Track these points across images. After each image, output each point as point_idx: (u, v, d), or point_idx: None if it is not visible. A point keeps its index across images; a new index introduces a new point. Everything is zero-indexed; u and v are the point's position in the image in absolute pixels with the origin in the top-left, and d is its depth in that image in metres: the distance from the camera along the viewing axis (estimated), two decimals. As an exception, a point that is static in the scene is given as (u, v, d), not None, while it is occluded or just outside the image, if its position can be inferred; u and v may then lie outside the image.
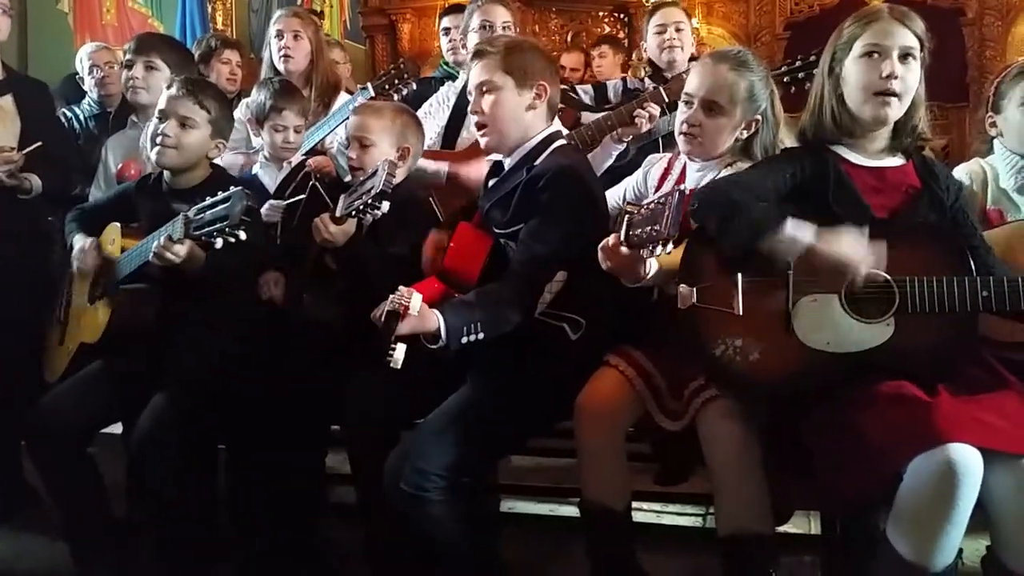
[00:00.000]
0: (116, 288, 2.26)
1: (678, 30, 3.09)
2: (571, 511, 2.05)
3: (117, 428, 2.53)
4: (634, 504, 2.04)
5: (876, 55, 1.70)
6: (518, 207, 1.93)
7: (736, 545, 1.78)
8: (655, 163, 2.19)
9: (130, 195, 2.44)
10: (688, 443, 1.83)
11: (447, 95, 2.95)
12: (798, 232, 1.58)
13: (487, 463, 2.19)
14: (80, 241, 2.37)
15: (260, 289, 2.35)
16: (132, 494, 2.52)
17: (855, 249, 1.56)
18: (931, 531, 1.44)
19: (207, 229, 1.95)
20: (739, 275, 1.64)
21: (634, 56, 4.44)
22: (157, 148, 2.28)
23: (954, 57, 6.01)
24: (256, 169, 2.72)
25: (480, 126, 2.02)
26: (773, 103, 1.99)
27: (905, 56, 1.70)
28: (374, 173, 1.96)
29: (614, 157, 2.69)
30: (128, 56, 2.92)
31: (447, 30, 3.46)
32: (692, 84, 2.01)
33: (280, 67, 3.04)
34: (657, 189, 2.11)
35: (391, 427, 1.97)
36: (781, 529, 2.08)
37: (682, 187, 1.54)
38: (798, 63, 2.56)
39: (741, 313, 1.63)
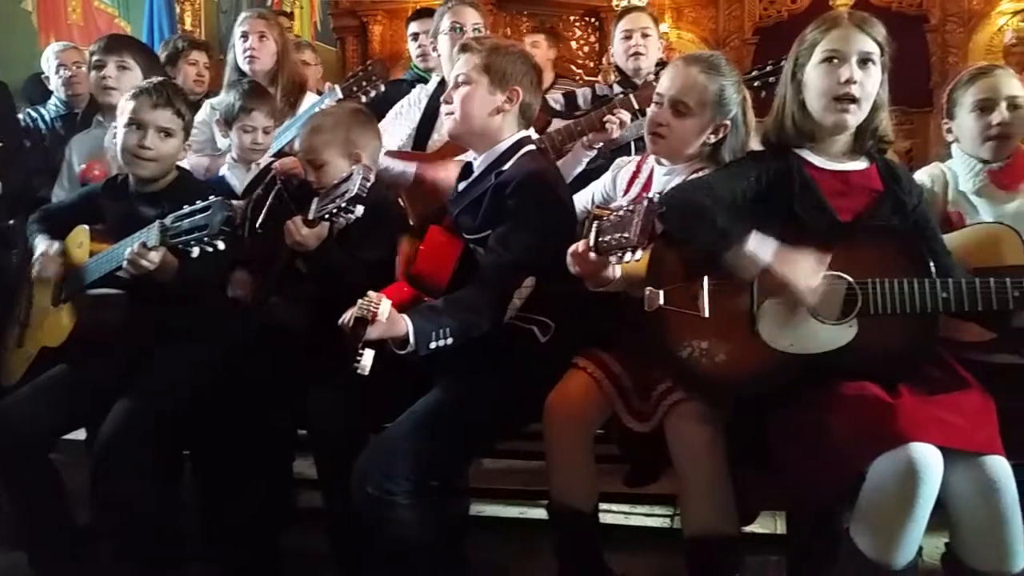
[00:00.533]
0: (82, 292, 2.23)
1: (644, 36, 3.11)
2: (541, 514, 2.05)
3: (80, 434, 2.49)
4: (603, 505, 2.05)
5: (835, 60, 1.72)
6: (487, 213, 1.94)
7: (702, 546, 1.80)
8: (624, 166, 2.20)
9: (96, 197, 2.41)
10: (657, 444, 1.84)
11: (419, 97, 2.94)
12: (759, 250, 1.61)
13: (455, 466, 2.19)
14: (43, 244, 2.33)
15: (228, 288, 2.33)
16: (95, 501, 2.48)
17: (808, 277, 1.59)
18: (893, 529, 1.46)
19: (185, 238, 1.92)
20: (705, 278, 1.66)
21: (603, 61, 4.47)
22: (137, 161, 2.24)
23: (918, 63, 6.12)
24: (224, 171, 2.70)
25: (448, 113, 2.05)
26: (745, 111, 2.01)
27: (864, 61, 1.73)
28: (348, 177, 1.94)
29: (584, 164, 2.70)
30: (97, 56, 2.88)
31: (415, 35, 3.46)
32: (663, 84, 2.03)
33: (245, 68, 3.03)
34: (626, 192, 2.13)
35: (358, 431, 1.95)
36: (747, 529, 2.11)
37: (651, 195, 1.55)
38: (768, 68, 2.59)
39: (707, 315, 1.65)
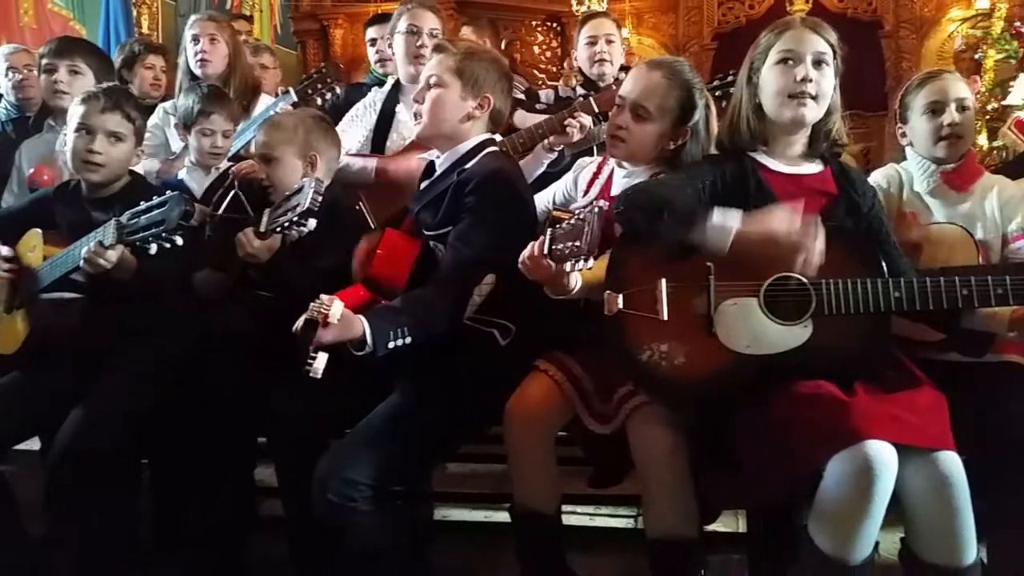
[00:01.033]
0: (36, 297, 2.18)
1: (608, 42, 3.14)
2: (506, 517, 2.05)
3: (34, 444, 2.44)
4: (567, 507, 2.06)
5: (791, 61, 1.75)
6: (447, 210, 1.93)
7: (664, 547, 1.82)
8: (584, 167, 2.22)
9: (48, 202, 2.36)
10: (620, 446, 1.85)
11: (374, 100, 2.93)
12: (726, 219, 1.62)
13: (417, 471, 2.18)
14: None
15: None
16: (50, 513, 2.43)
17: (785, 221, 1.57)
18: (849, 525, 1.49)
19: (142, 234, 1.90)
20: (663, 281, 1.67)
21: (566, 65, 4.50)
22: (86, 166, 2.21)
23: (873, 68, 6.26)
24: (183, 174, 2.66)
25: (417, 115, 2.04)
26: (708, 119, 2.02)
27: (818, 62, 1.76)
28: (300, 190, 1.92)
29: (545, 166, 2.71)
30: (47, 60, 2.84)
31: (373, 41, 3.45)
32: (625, 87, 2.04)
33: (197, 71, 3.01)
34: (586, 192, 2.14)
35: (318, 437, 1.93)
36: (710, 528, 2.13)
37: (602, 203, 1.57)
38: (730, 77, 2.62)
39: (665, 318, 1.66)
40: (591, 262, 1.54)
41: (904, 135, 2.19)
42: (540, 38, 6.42)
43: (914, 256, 1.96)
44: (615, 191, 2.03)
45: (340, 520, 1.77)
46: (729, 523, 2.45)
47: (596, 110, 2.70)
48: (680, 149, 2.00)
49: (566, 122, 2.65)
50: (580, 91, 3.15)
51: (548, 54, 6.45)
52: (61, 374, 2.15)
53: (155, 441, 2.24)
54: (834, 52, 1.78)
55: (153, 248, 1.88)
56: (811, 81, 1.74)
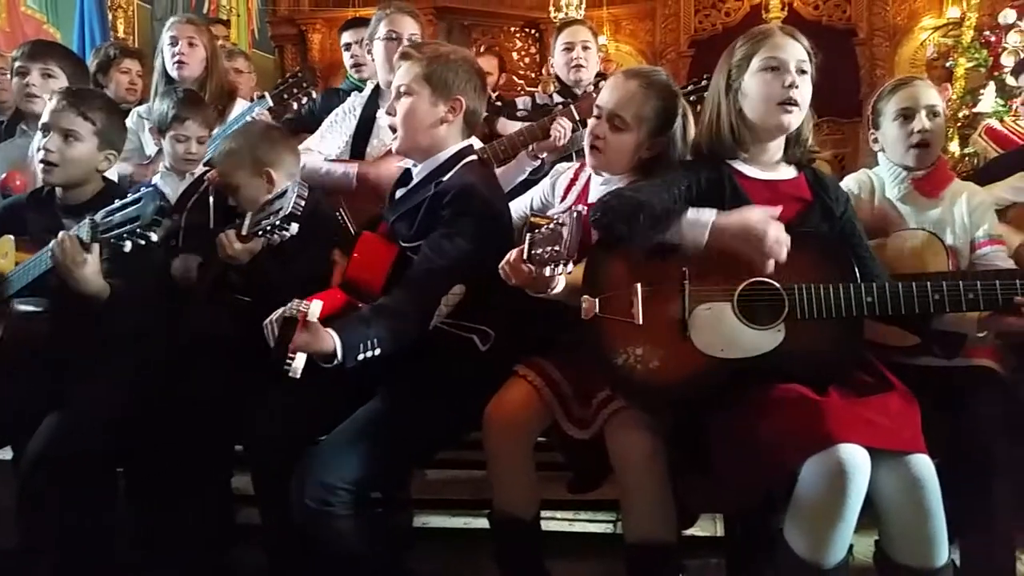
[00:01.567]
0: (7, 303, 2.15)
1: (585, 48, 3.16)
2: (486, 523, 2.05)
3: (6, 453, 2.41)
4: (547, 512, 2.06)
5: (776, 69, 1.77)
6: (423, 222, 1.93)
7: (642, 552, 1.82)
8: (562, 173, 2.22)
9: (20, 208, 2.33)
10: (599, 451, 1.86)
11: (354, 105, 2.93)
12: (701, 214, 1.65)
13: (395, 477, 2.18)
14: None
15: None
16: (23, 523, 2.39)
17: (759, 215, 1.63)
18: (823, 529, 1.50)
19: (117, 231, 1.88)
20: (638, 285, 1.68)
21: (544, 71, 4.51)
22: (41, 165, 2.19)
23: (848, 75, 6.35)
24: (156, 179, 2.65)
25: (392, 128, 2.03)
26: (685, 126, 2.03)
27: (801, 70, 1.79)
28: (283, 193, 1.91)
29: (527, 173, 2.72)
30: (20, 63, 2.81)
31: (348, 45, 3.44)
32: (603, 97, 2.05)
33: (174, 74, 2.99)
34: (563, 199, 2.14)
35: (295, 443, 1.92)
36: (688, 532, 2.14)
37: (580, 208, 1.58)
38: (703, 82, 2.64)
39: (641, 322, 1.67)
40: (571, 266, 1.55)
41: (876, 141, 2.22)
42: (518, 44, 6.46)
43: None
44: (592, 197, 2.04)
45: (318, 526, 1.76)
46: (707, 527, 2.46)
47: (577, 117, 2.72)
48: (657, 157, 2.01)
49: (551, 128, 2.66)
50: (557, 98, 3.17)
51: (527, 60, 6.48)
52: (32, 381, 2.11)
53: (131, 449, 2.21)
54: (810, 59, 1.81)
55: (128, 245, 1.87)
56: (796, 88, 1.76)
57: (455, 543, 2.60)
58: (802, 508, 1.51)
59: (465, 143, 2.05)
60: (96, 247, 1.97)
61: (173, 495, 2.20)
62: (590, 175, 2.11)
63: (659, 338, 1.69)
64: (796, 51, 1.78)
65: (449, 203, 1.89)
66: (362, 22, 3.18)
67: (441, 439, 2.02)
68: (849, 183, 2.21)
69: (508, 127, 2.96)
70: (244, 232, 2.03)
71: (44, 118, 2.21)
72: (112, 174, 2.50)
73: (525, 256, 1.61)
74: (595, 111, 2.05)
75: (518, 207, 2.24)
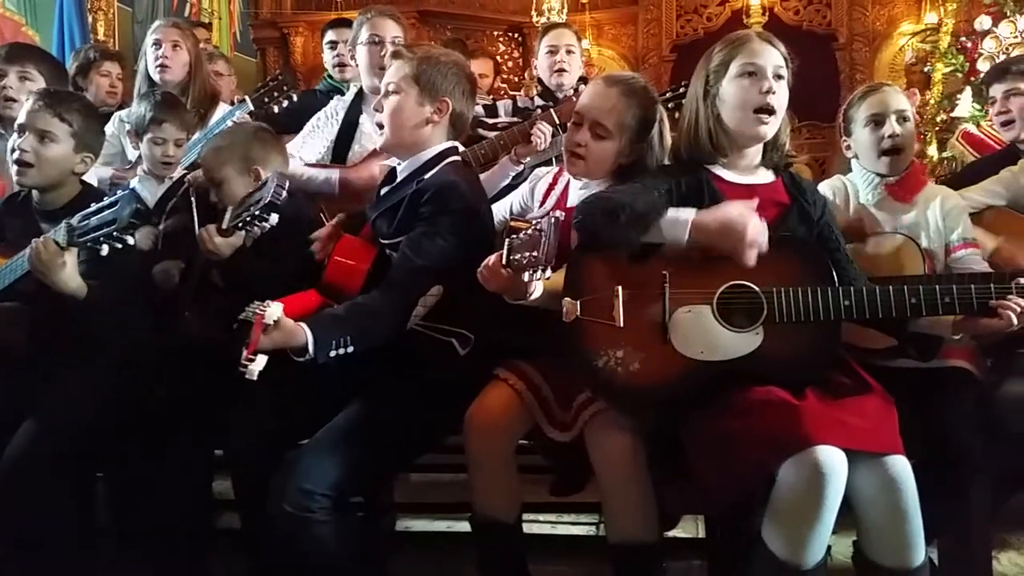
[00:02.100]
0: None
1: (568, 52, 3.18)
2: (468, 527, 2.05)
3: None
4: (530, 515, 2.06)
5: (753, 75, 1.78)
6: (403, 219, 1.93)
7: (625, 553, 1.83)
8: (541, 177, 2.23)
9: (-3, 213, 2.32)
10: (581, 454, 1.86)
11: (336, 109, 2.92)
12: (680, 213, 1.67)
13: (376, 481, 2.17)
14: None
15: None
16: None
17: (738, 208, 1.65)
18: (801, 530, 1.51)
19: (93, 235, 1.87)
20: (619, 288, 1.69)
21: (526, 75, 4.52)
22: (15, 166, 2.17)
23: (828, 79, 6.41)
24: (134, 183, 2.63)
25: (380, 124, 2.04)
26: (662, 133, 2.04)
27: (778, 76, 1.80)
28: (263, 185, 1.92)
29: (511, 178, 2.72)
30: (-3, 66, 2.78)
31: (333, 44, 3.43)
32: (583, 103, 2.05)
33: (156, 77, 2.99)
34: (542, 203, 2.15)
35: (274, 449, 1.91)
36: (670, 534, 2.15)
37: (558, 213, 1.58)
38: (681, 88, 2.66)
39: (622, 325, 1.68)
40: (548, 272, 1.55)
41: (849, 148, 2.24)
42: (502, 48, 6.47)
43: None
44: (571, 202, 2.05)
45: (298, 532, 1.75)
46: (689, 528, 2.47)
47: (557, 121, 2.72)
48: (636, 163, 2.02)
49: (532, 132, 2.67)
50: (539, 101, 3.17)
51: (510, 64, 6.50)
52: (7, 387, 2.09)
53: (110, 454, 2.20)
54: (787, 64, 1.82)
55: (105, 249, 1.86)
56: (774, 94, 1.78)
57: (438, 547, 2.60)
58: (780, 510, 1.52)
59: (449, 144, 2.05)
60: (74, 250, 1.96)
61: (152, 500, 2.18)
62: (569, 180, 2.12)
63: (640, 341, 1.70)
64: (773, 57, 1.80)
65: (429, 200, 1.90)
66: (347, 22, 3.18)
67: (422, 443, 2.02)
68: (824, 189, 2.23)
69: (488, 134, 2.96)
70: (225, 226, 2.02)
71: (20, 119, 2.20)
72: (91, 178, 2.48)
73: (504, 261, 1.62)
74: (575, 118, 2.05)
75: (497, 211, 2.24)
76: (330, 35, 3.51)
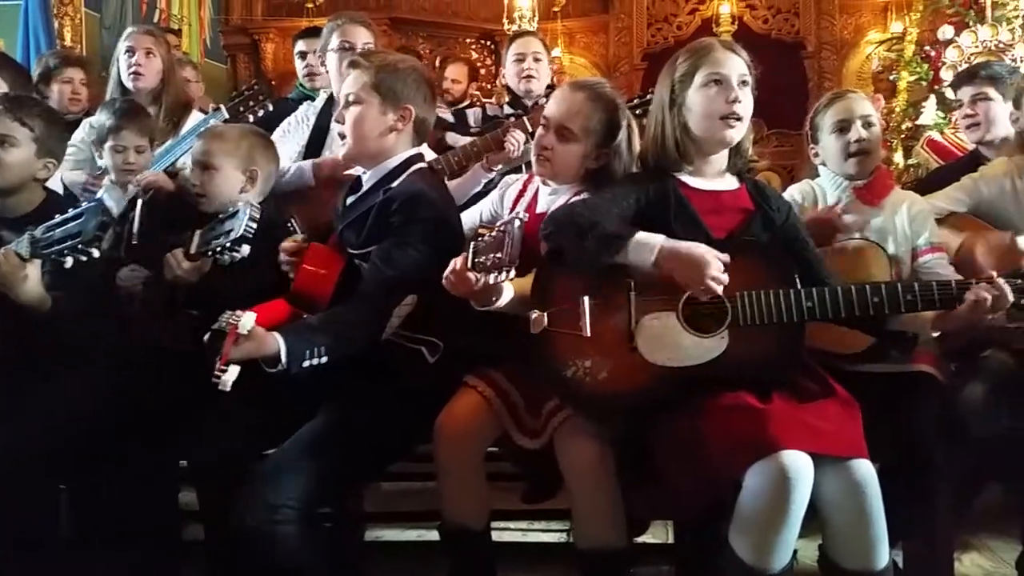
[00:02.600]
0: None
1: (536, 60, 3.19)
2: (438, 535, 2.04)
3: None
4: (501, 523, 2.05)
5: (719, 84, 1.80)
6: (371, 229, 1.92)
7: (594, 559, 1.83)
8: (511, 184, 2.24)
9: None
10: (552, 460, 1.86)
11: (306, 114, 2.92)
12: (649, 238, 1.67)
13: (343, 491, 2.15)
14: None
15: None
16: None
17: (709, 251, 1.66)
18: (767, 534, 1.52)
19: (57, 247, 1.84)
20: (585, 298, 1.70)
21: (498, 82, 4.54)
22: None
23: (797, 87, 6.49)
24: (101, 192, 2.60)
25: (342, 135, 2.02)
26: (630, 138, 2.05)
27: (742, 83, 1.82)
28: (235, 213, 1.87)
29: (482, 184, 2.73)
30: (-41, 72, 2.74)
31: (303, 54, 3.42)
32: (550, 108, 2.07)
33: (129, 84, 2.95)
34: (512, 210, 2.15)
35: (239, 460, 1.88)
36: (639, 539, 2.16)
37: (521, 215, 1.59)
38: (648, 95, 2.68)
39: (588, 334, 1.69)
40: (512, 273, 1.55)
41: (816, 155, 2.27)
42: (474, 55, 6.48)
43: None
44: (541, 208, 2.06)
45: (263, 545, 1.72)
46: (658, 534, 2.48)
47: (529, 129, 2.74)
48: (604, 168, 2.03)
49: (505, 139, 2.68)
50: (508, 109, 3.19)
51: (482, 71, 6.51)
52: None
53: (74, 465, 2.16)
54: (750, 72, 1.84)
55: (69, 261, 1.83)
56: (740, 102, 1.80)
57: (408, 556, 2.58)
58: (746, 514, 1.53)
59: (414, 151, 2.05)
60: (37, 262, 1.93)
61: (118, 512, 2.15)
62: (539, 186, 2.13)
63: (607, 349, 1.71)
64: (737, 65, 1.82)
65: (398, 210, 1.89)
66: (317, 31, 3.16)
67: (390, 452, 2.00)
68: (793, 192, 2.27)
69: (458, 142, 2.96)
70: (192, 252, 1.99)
71: None
72: (58, 184, 2.45)
73: (469, 264, 1.62)
74: (542, 122, 2.06)
75: (467, 219, 2.24)
76: (300, 45, 3.50)
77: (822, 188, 2.26)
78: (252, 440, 1.92)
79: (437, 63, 6.22)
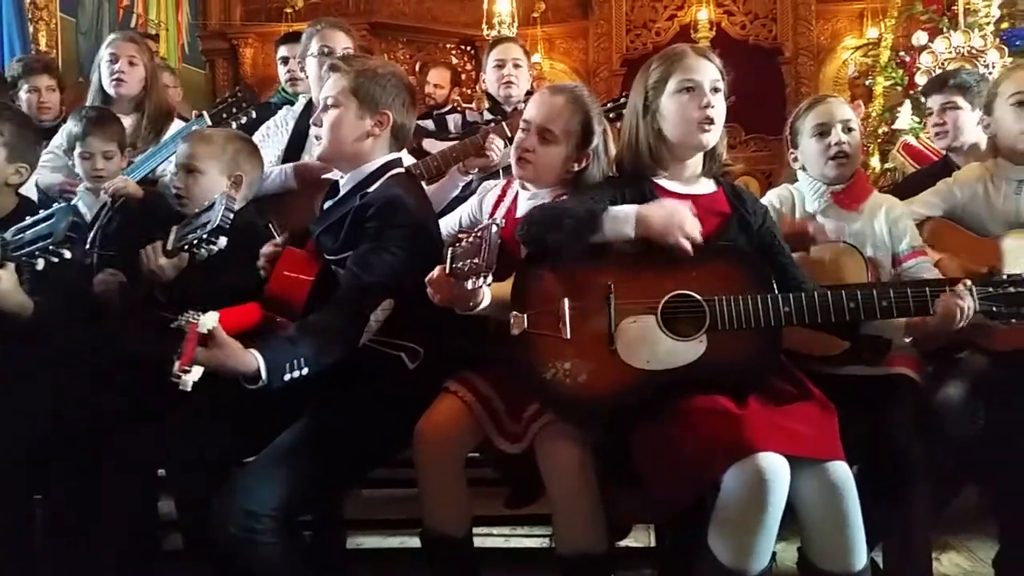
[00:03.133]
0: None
1: (516, 66, 3.20)
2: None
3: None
4: (484, 529, 2.05)
5: (692, 90, 1.82)
6: (348, 234, 1.91)
7: (575, 564, 1.83)
8: (489, 190, 2.24)
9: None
10: (533, 465, 1.86)
11: (285, 119, 2.92)
12: (623, 209, 1.70)
13: (324, 498, 2.13)
14: None
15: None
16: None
17: (679, 204, 1.72)
18: (746, 537, 1.53)
19: (28, 249, 1.82)
20: (565, 300, 1.70)
21: (478, 88, 4.54)
22: None
23: (774, 93, 6.54)
24: (76, 199, 2.58)
25: (318, 137, 2.03)
26: (606, 141, 2.07)
27: (715, 89, 1.84)
28: (211, 206, 1.87)
29: (460, 188, 2.73)
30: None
31: (285, 59, 3.42)
32: (529, 112, 2.08)
33: (111, 91, 2.93)
34: (491, 216, 2.15)
35: (217, 467, 1.87)
36: (622, 543, 2.16)
37: (497, 219, 1.60)
38: (622, 100, 2.70)
39: (568, 337, 1.69)
40: (491, 278, 1.56)
41: (796, 159, 2.29)
42: (454, 61, 6.48)
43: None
44: (520, 213, 2.06)
45: (243, 554, 1.71)
46: (641, 538, 2.48)
47: (508, 134, 2.74)
48: (582, 171, 2.04)
49: (485, 145, 2.68)
50: (488, 115, 3.19)
51: (463, 76, 6.51)
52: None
53: (49, 475, 2.13)
54: (723, 77, 1.86)
55: (40, 263, 1.81)
56: (713, 108, 1.81)
57: (390, 564, 2.57)
58: (725, 517, 1.54)
59: (392, 156, 2.04)
60: (11, 265, 1.90)
61: (94, 521, 2.12)
62: (517, 192, 2.13)
63: (587, 352, 1.71)
64: (710, 71, 1.83)
65: (374, 215, 1.88)
66: (299, 36, 3.16)
67: (371, 459, 1.99)
68: (771, 197, 2.28)
69: (438, 146, 2.97)
70: (169, 247, 1.97)
71: None
72: (30, 190, 2.42)
73: (447, 271, 1.62)
74: (522, 125, 2.07)
75: (446, 225, 2.24)
76: (282, 51, 3.50)
77: (800, 193, 2.27)
78: (231, 448, 1.91)
79: (417, 68, 6.23)
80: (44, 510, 2.24)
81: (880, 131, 4.70)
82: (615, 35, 6.91)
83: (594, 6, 7.00)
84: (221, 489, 1.75)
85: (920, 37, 4.47)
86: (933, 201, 2.43)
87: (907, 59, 4.66)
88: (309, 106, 2.88)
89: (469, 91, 6.05)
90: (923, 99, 3.27)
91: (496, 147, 2.68)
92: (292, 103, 3.20)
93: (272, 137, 2.93)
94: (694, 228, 1.72)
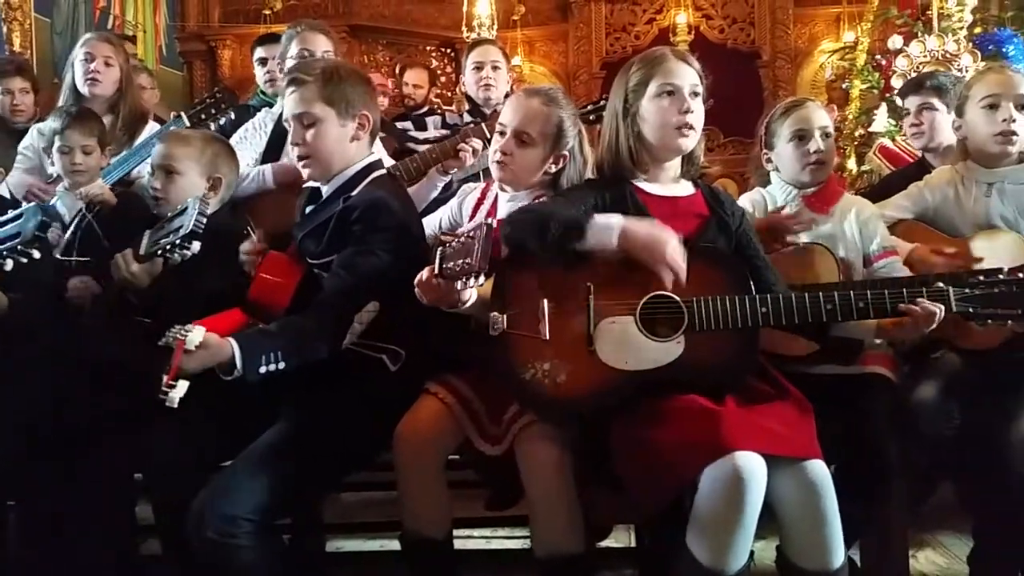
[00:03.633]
0: None
1: (494, 68, 3.21)
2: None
3: None
4: (464, 531, 2.04)
5: (672, 94, 1.83)
6: (332, 238, 1.91)
7: (553, 565, 1.83)
8: (469, 192, 2.24)
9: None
10: (513, 467, 1.86)
11: (264, 121, 2.89)
12: (608, 219, 1.70)
13: (303, 501, 2.12)
14: None
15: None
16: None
17: (667, 231, 1.70)
18: (723, 536, 1.53)
19: None
20: (544, 301, 1.71)
21: (458, 90, 4.54)
22: None
23: (752, 96, 6.59)
24: (55, 200, 2.55)
25: (302, 157, 1.98)
26: (581, 142, 2.09)
27: (694, 93, 1.85)
28: (184, 210, 1.84)
29: (439, 188, 2.73)
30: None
31: (263, 60, 3.40)
32: (506, 115, 2.08)
33: (84, 90, 2.90)
34: (471, 218, 2.16)
35: (196, 471, 1.85)
36: (602, 544, 2.16)
37: (490, 220, 1.60)
38: (601, 102, 2.71)
39: (548, 338, 1.70)
40: (481, 279, 1.56)
41: (770, 161, 2.30)
42: (434, 63, 6.48)
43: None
44: (500, 215, 2.06)
45: (221, 558, 1.69)
46: (621, 538, 2.49)
47: (488, 136, 2.75)
48: (560, 173, 2.05)
49: (460, 147, 2.68)
50: (468, 117, 3.19)
51: (443, 79, 6.51)
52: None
53: (22, 481, 2.11)
54: (702, 81, 1.87)
55: (9, 264, 1.79)
56: (692, 112, 1.82)
57: (371, 567, 2.56)
58: (702, 516, 1.54)
59: (373, 158, 2.04)
60: None
61: (70, 528, 2.09)
62: (497, 194, 2.14)
63: (566, 352, 1.71)
64: (689, 75, 1.85)
65: (359, 218, 1.87)
66: (276, 37, 3.15)
67: (351, 461, 1.98)
68: (744, 202, 2.28)
69: (417, 148, 2.97)
70: (142, 252, 1.95)
71: None
72: (8, 183, 2.40)
73: (436, 271, 1.61)
74: (499, 128, 2.08)
75: (427, 227, 2.23)
76: (259, 52, 3.47)
77: (772, 196, 2.28)
78: (209, 451, 1.90)
79: (397, 70, 6.21)
80: (17, 516, 2.22)
81: (857, 134, 4.73)
82: (594, 38, 6.94)
83: (573, 9, 7.03)
84: (200, 493, 1.74)
85: (896, 41, 4.51)
86: (904, 204, 2.45)
87: (883, 63, 4.70)
88: (288, 108, 2.86)
89: (449, 93, 6.06)
90: (900, 101, 3.30)
91: (473, 147, 2.68)
92: (271, 105, 3.18)
93: (250, 139, 2.91)
94: (676, 259, 1.68)
